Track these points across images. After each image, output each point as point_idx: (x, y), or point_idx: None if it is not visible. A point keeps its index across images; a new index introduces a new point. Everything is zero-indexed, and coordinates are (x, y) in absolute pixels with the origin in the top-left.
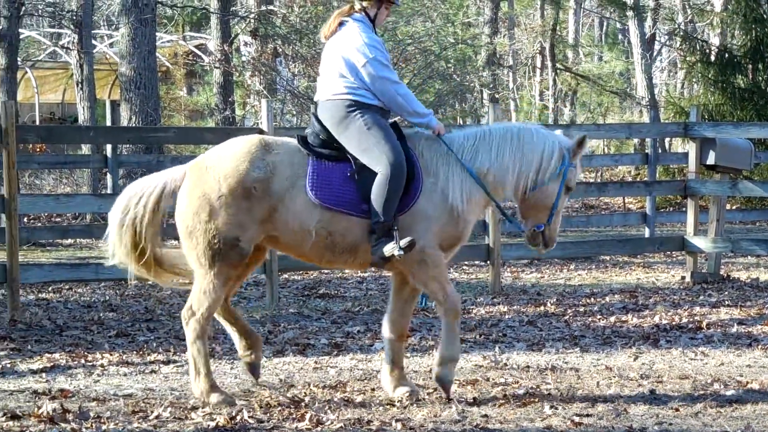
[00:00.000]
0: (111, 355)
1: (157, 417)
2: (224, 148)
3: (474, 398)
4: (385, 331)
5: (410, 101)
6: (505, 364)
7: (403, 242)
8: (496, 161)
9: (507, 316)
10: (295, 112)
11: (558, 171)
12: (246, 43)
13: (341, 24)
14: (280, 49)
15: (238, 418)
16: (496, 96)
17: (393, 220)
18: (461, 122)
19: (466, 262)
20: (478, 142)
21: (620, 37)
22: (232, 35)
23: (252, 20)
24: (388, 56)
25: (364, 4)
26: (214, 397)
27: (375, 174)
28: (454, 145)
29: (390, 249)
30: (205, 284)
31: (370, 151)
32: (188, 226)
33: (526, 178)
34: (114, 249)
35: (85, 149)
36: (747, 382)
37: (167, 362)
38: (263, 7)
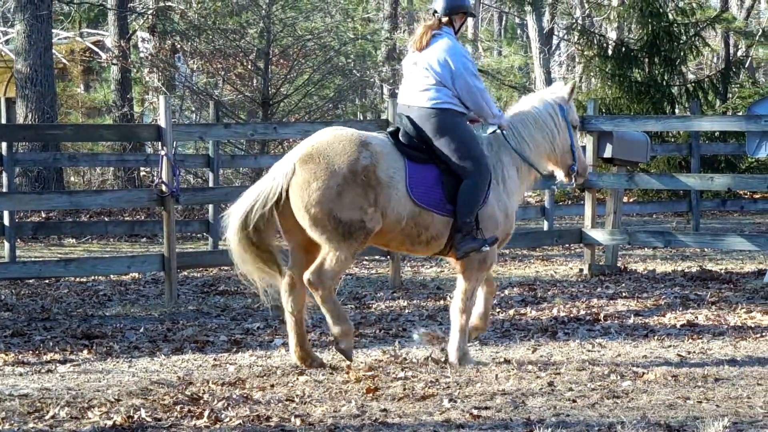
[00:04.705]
0: (6, 354)
1: (53, 417)
2: (329, 141)
3: (373, 393)
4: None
5: (491, 105)
6: (405, 359)
7: (491, 239)
8: (533, 145)
9: (407, 311)
10: (194, 108)
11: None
12: (144, 40)
13: (434, 37)
14: (179, 46)
15: (136, 416)
16: (397, 91)
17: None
18: (361, 117)
19: (366, 257)
20: (518, 128)
21: (519, 31)
22: (130, 31)
23: (150, 16)
24: (475, 66)
25: (455, 18)
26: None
27: (456, 178)
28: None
29: (477, 245)
30: (335, 258)
31: (465, 160)
32: (313, 214)
33: (552, 144)
34: (236, 246)
35: None
36: (643, 373)
37: (64, 362)
38: (161, 3)
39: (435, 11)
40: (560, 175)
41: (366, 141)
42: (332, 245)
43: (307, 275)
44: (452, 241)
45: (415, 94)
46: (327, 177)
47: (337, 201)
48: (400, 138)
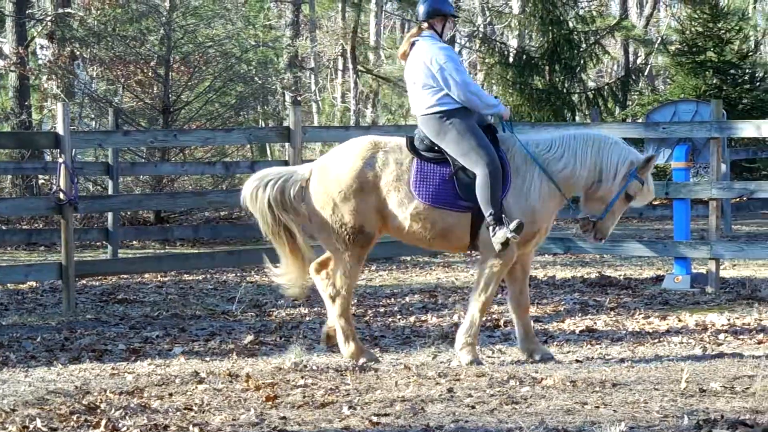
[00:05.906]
0: None
1: None
2: (341, 150)
3: (273, 401)
4: (512, 309)
5: (482, 96)
6: (305, 366)
7: (513, 225)
8: (578, 163)
9: (308, 318)
10: (93, 116)
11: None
12: (42, 46)
13: (413, 44)
14: (78, 52)
15: (31, 426)
16: (299, 98)
17: (500, 208)
18: (263, 124)
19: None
20: (564, 147)
21: None
22: (28, 38)
23: (49, 23)
24: (458, 59)
25: (434, 22)
26: (362, 357)
27: (471, 174)
28: (540, 148)
29: (503, 234)
30: (344, 266)
31: (468, 154)
32: (319, 220)
33: (597, 176)
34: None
35: None
36: (542, 379)
37: None
38: (60, 10)
39: (417, 18)
40: (582, 212)
41: (376, 148)
42: (339, 254)
43: (327, 290)
44: (476, 236)
45: (415, 104)
46: (332, 184)
47: (339, 207)
48: (415, 142)
